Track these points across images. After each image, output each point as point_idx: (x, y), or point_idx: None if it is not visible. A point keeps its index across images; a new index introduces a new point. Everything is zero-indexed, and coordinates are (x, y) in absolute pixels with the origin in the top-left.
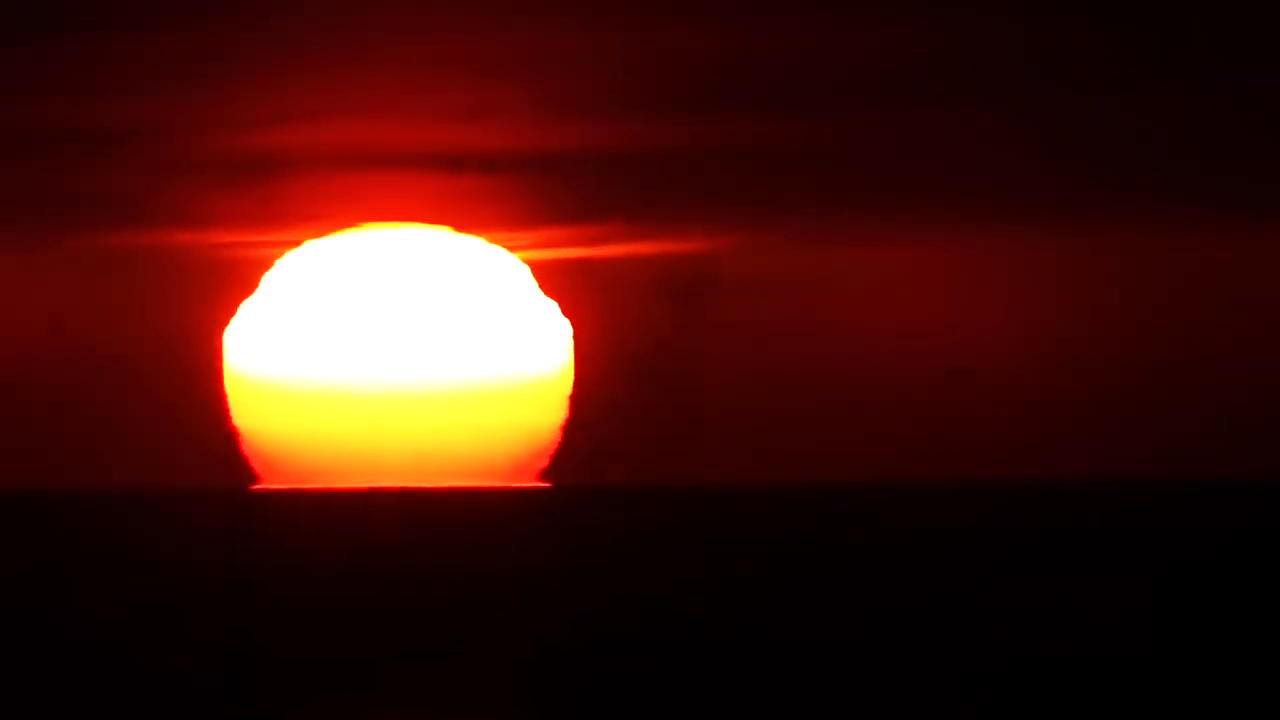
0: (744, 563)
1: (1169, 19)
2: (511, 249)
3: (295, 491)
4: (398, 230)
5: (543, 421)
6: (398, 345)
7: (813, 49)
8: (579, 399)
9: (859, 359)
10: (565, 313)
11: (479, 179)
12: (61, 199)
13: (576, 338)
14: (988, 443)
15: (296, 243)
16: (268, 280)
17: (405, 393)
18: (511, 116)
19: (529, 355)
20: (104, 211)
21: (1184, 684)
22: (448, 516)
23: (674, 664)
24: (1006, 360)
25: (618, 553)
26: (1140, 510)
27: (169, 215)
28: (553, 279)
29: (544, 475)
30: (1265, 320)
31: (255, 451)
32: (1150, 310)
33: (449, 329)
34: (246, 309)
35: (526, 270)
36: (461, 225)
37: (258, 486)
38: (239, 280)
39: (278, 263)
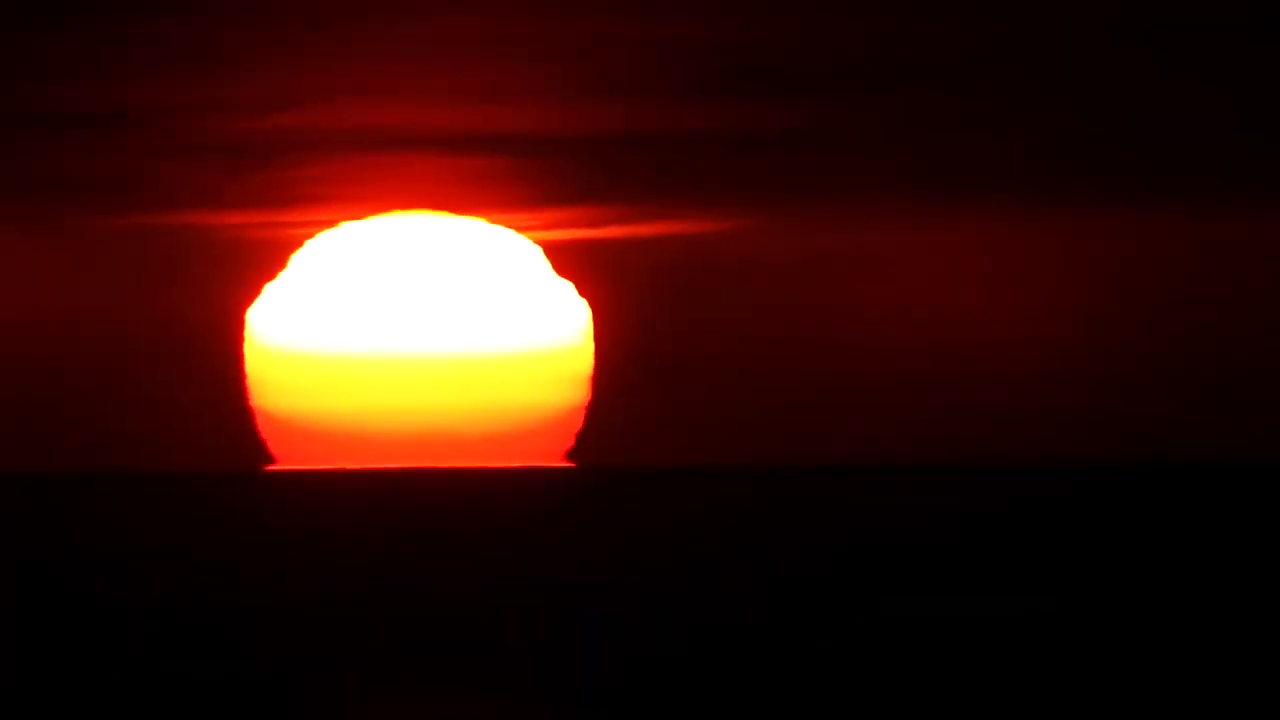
0: (765, 545)
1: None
2: (526, 230)
3: (310, 473)
4: (417, 216)
5: (563, 400)
6: (419, 323)
7: (824, 35)
8: (599, 379)
9: (868, 339)
10: (581, 293)
11: (494, 161)
12: (74, 182)
13: (593, 318)
14: (1004, 424)
15: (310, 224)
16: (293, 262)
17: (426, 368)
18: (526, 99)
19: (549, 333)
20: (113, 194)
21: (1183, 672)
22: (466, 498)
23: (702, 646)
24: (1022, 342)
25: (642, 535)
26: (1142, 493)
27: (182, 197)
28: (568, 260)
29: (569, 456)
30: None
31: (275, 429)
32: (1157, 294)
33: (470, 308)
34: (271, 289)
35: (538, 251)
36: (477, 207)
37: (273, 467)
38: (255, 261)
39: (304, 245)
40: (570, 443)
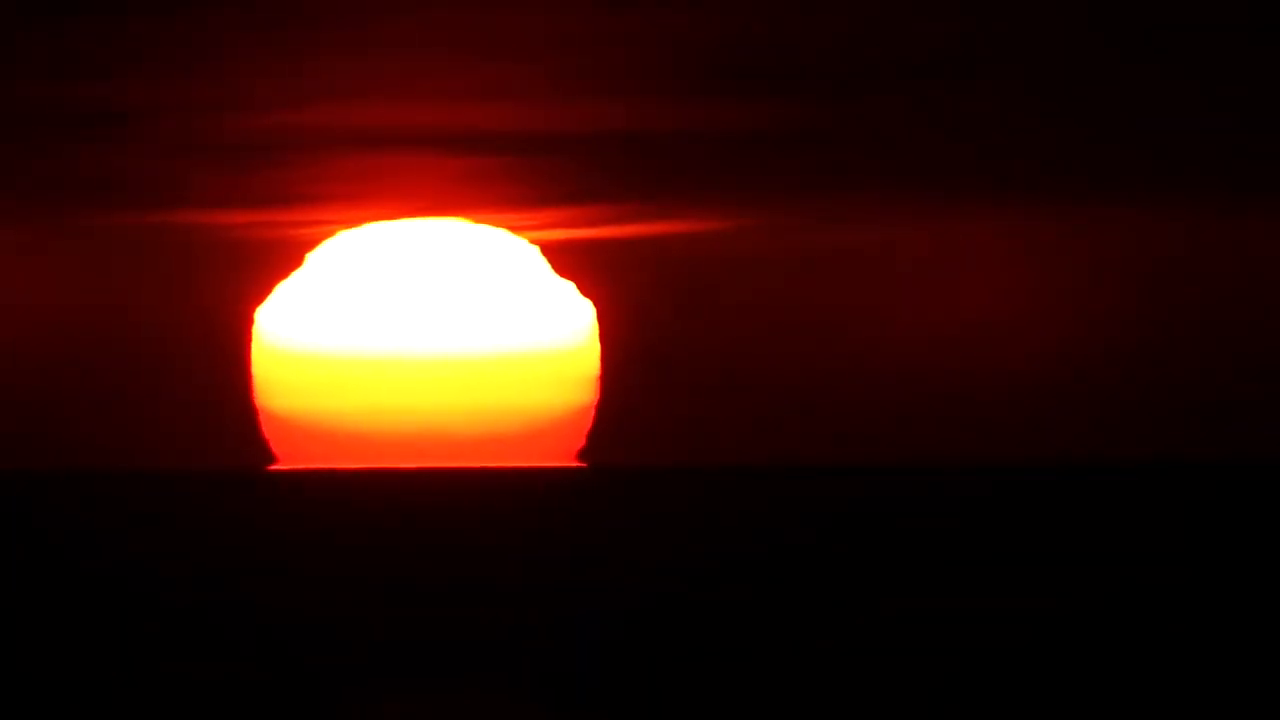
0: (765, 545)
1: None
2: (527, 230)
3: (316, 473)
4: (423, 221)
5: (572, 400)
6: (426, 325)
7: (824, 36)
8: (606, 378)
9: (868, 339)
10: (584, 293)
11: (495, 160)
12: (77, 181)
13: (598, 318)
14: (1004, 424)
15: (312, 223)
16: (303, 263)
17: (433, 369)
18: (527, 98)
19: (555, 333)
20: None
21: (1183, 672)
22: (470, 499)
23: (702, 646)
24: (1022, 341)
25: (644, 535)
26: (1142, 493)
27: (183, 197)
28: (570, 260)
29: (580, 456)
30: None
31: (284, 429)
32: (1158, 294)
33: (475, 310)
34: (281, 290)
35: (541, 252)
36: (479, 207)
37: (280, 467)
38: (259, 261)
39: (310, 245)
40: (582, 442)
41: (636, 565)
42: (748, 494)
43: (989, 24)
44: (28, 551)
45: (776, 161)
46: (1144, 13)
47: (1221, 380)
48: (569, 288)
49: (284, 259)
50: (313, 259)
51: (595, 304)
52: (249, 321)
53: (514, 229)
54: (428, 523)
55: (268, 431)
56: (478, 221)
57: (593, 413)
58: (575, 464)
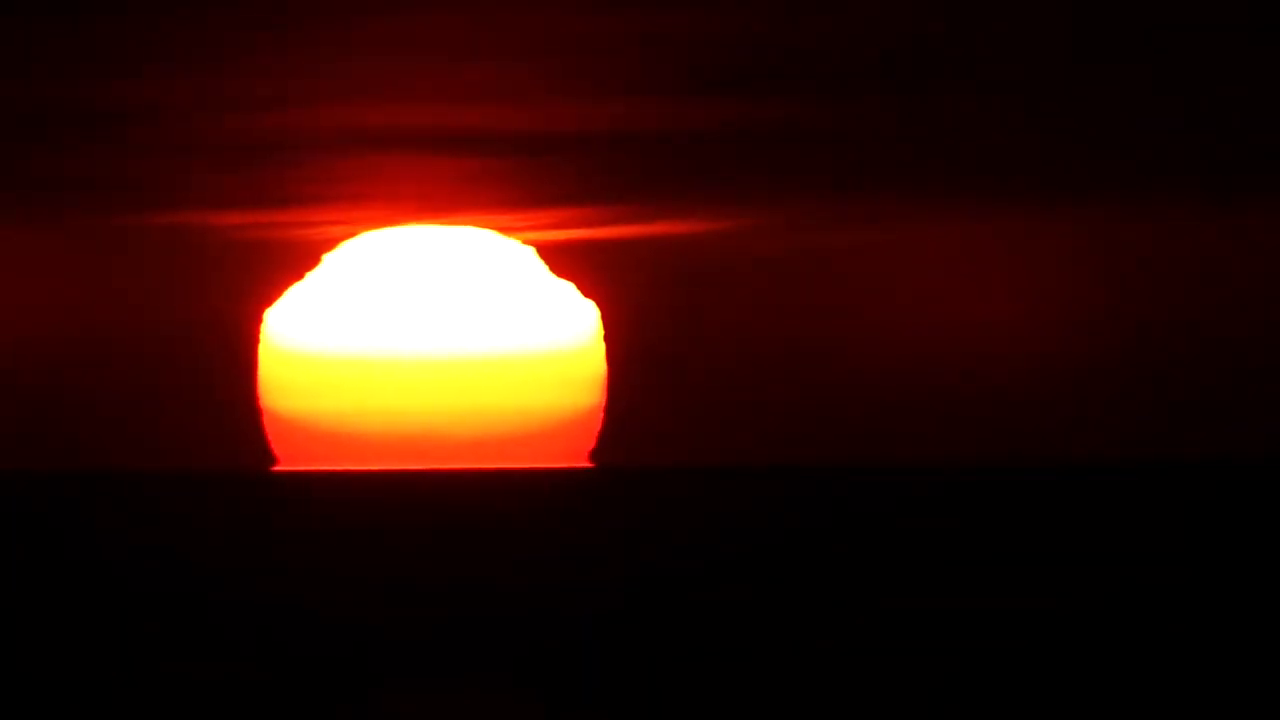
0: (765, 545)
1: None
2: (528, 230)
3: (316, 474)
4: (427, 226)
5: (579, 401)
6: (431, 326)
7: (823, 34)
8: (613, 379)
9: (868, 338)
10: (586, 294)
11: (496, 161)
12: (77, 181)
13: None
14: (1004, 424)
15: (313, 224)
16: (312, 265)
17: (438, 370)
18: (528, 98)
19: (560, 334)
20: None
21: (1183, 671)
22: (472, 499)
23: (702, 645)
24: (1022, 341)
25: (652, 535)
26: (1142, 493)
27: (184, 197)
28: (571, 261)
29: (591, 456)
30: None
31: (288, 431)
32: (1157, 294)
33: (480, 312)
34: (291, 292)
35: (542, 253)
36: (479, 207)
37: (280, 468)
38: (262, 262)
39: (316, 246)
40: (592, 443)
41: (636, 565)
42: (747, 494)
43: (989, 25)
44: (29, 551)
45: (776, 161)
46: (1144, 13)
47: (1221, 380)
48: (571, 289)
49: (288, 260)
50: (325, 261)
51: (598, 305)
52: (256, 322)
53: (515, 230)
54: (429, 523)
55: (275, 432)
56: (480, 223)
57: (602, 414)
58: (586, 464)
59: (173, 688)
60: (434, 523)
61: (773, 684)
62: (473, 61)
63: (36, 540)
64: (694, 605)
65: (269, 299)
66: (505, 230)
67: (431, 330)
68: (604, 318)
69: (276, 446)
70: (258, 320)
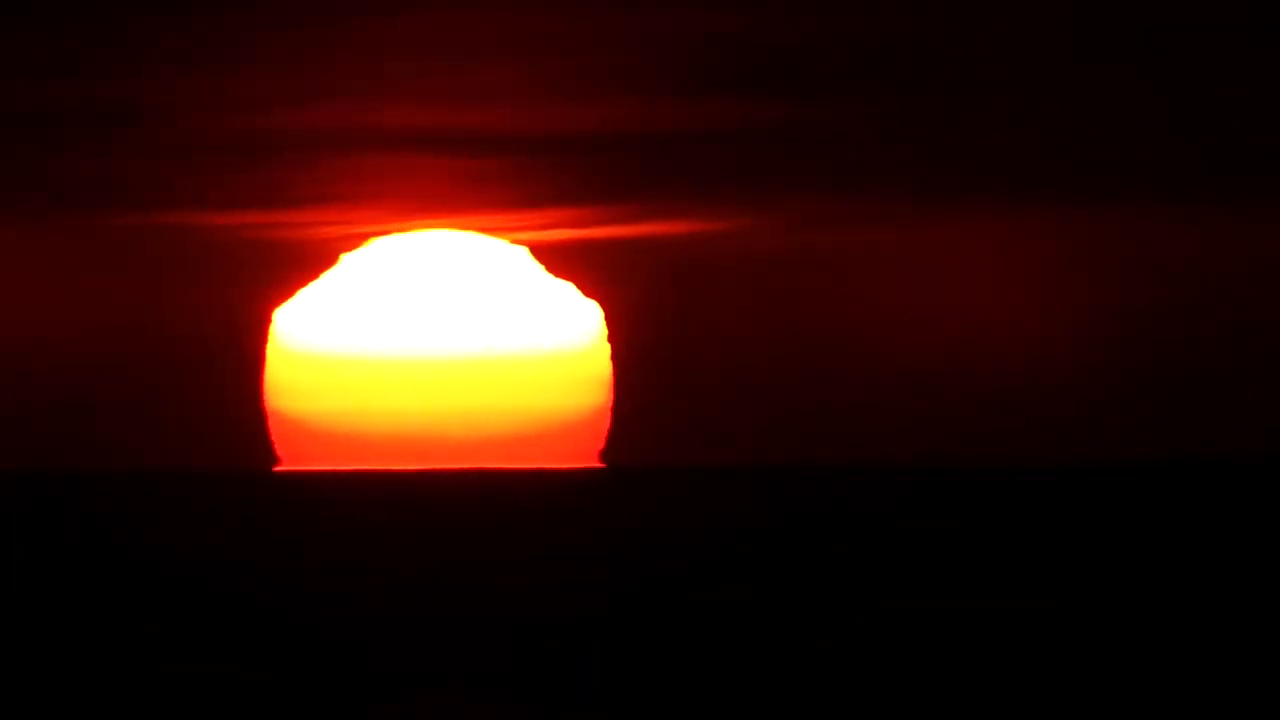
0: (765, 545)
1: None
2: (529, 230)
3: (319, 474)
4: (430, 230)
5: (584, 401)
6: (435, 327)
7: (820, 34)
8: (619, 380)
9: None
10: (587, 294)
11: (496, 161)
12: (76, 181)
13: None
14: (1004, 424)
15: (315, 224)
16: (319, 268)
17: (442, 370)
18: (528, 99)
19: (564, 335)
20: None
21: (1183, 671)
22: (475, 500)
23: (702, 645)
24: (1023, 341)
25: (651, 535)
26: (1142, 493)
27: (184, 197)
28: (572, 261)
29: (601, 456)
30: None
31: (293, 431)
32: (1158, 293)
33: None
34: (301, 293)
35: (541, 253)
36: (479, 208)
37: (288, 468)
38: (263, 263)
39: (320, 246)
40: (601, 443)
41: (636, 565)
42: (747, 494)
43: (989, 25)
44: (30, 551)
45: (776, 161)
46: (1143, 13)
47: (1221, 380)
48: (573, 289)
49: (291, 261)
50: (335, 263)
51: (600, 305)
52: (262, 323)
53: (516, 231)
54: (431, 524)
55: (282, 433)
56: (480, 223)
57: (609, 414)
58: (595, 465)
59: (174, 687)
60: (439, 523)
61: (774, 684)
62: (473, 61)
63: (38, 540)
64: (694, 605)
65: (274, 299)
66: (506, 230)
67: (437, 331)
68: (606, 318)
69: (281, 447)
70: (263, 320)
